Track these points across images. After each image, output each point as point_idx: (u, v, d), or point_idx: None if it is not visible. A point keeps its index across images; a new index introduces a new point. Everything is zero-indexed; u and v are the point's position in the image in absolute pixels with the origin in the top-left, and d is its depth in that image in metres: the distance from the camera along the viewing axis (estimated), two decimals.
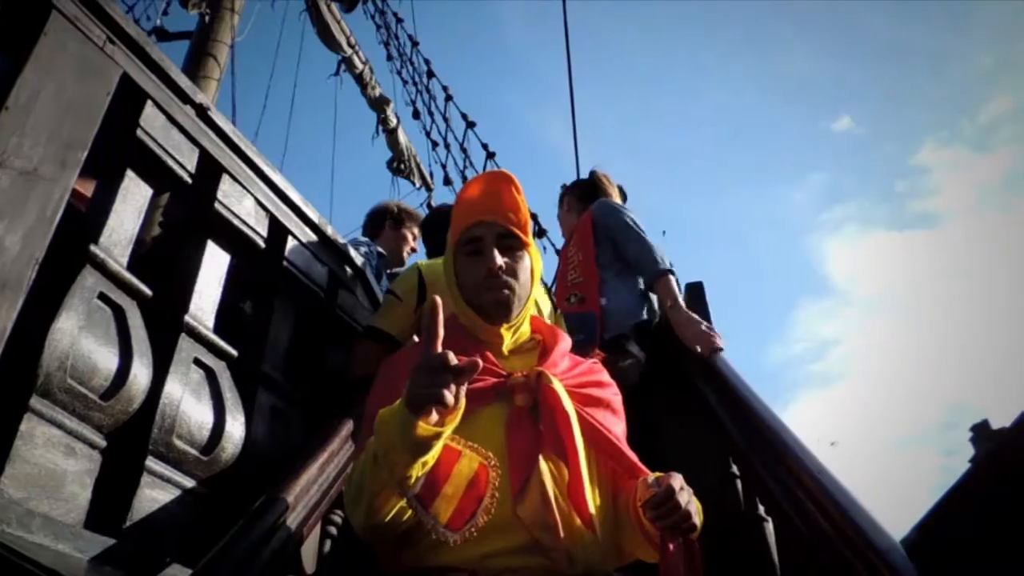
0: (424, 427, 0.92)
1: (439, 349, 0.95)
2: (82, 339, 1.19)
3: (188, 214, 1.66)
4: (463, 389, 0.95)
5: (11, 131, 1.15)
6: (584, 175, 3.26)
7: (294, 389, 1.78)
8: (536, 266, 1.34)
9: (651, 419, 2.36)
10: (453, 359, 0.92)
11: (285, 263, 1.82)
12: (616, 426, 1.27)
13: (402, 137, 8.66)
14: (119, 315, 1.31)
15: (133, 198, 1.44)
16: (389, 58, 8.81)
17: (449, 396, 0.92)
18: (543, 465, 1.10)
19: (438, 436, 0.94)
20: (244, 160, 1.73)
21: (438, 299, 1.00)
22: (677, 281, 2.48)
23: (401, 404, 0.95)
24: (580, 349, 2.25)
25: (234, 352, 1.59)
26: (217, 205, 1.61)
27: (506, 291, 1.26)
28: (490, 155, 7.19)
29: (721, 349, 2.18)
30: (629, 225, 2.64)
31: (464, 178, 7.51)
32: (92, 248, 1.29)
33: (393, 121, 8.49)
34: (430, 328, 0.98)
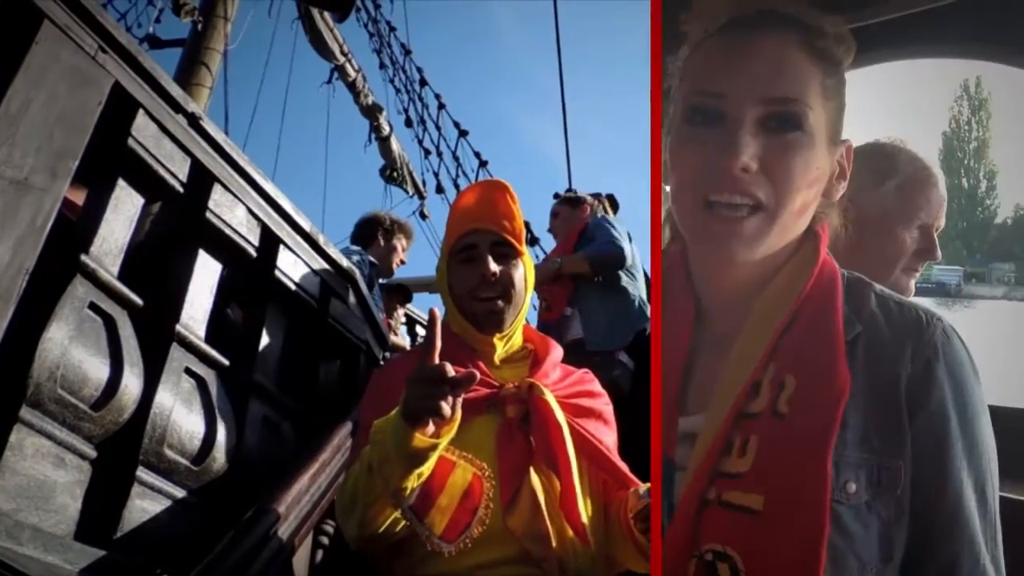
0: (420, 438, 0.93)
1: (436, 360, 0.95)
2: (72, 349, 1.19)
3: (179, 223, 1.65)
4: (459, 401, 0.95)
5: (2, 141, 1.14)
6: (577, 178, 3.48)
7: (286, 399, 1.77)
8: (529, 276, 1.34)
9: (642, 429, 2.36)
10: (450, 371, 0.92)
11: (277, 272, 1.81)
12: (607, 436, 1.27)
13: (395, 145, 8.64)
14: (110, 325, 1.30)
15: (124, 207, 1.43)
16: (382, 66, 8.77)
17: (446, 408, 0.92)
18: (533, 476, 1.10)
19: (434, 447, 0.94)
20: (236, 169, 1.73)
21: (436, 311, 1.00)
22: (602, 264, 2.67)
23: (397, 415, 0.95)
24: None
25: (225, 361, 1.59)
26: (208, 214, 1.60)
27: (499, 301, 1.26)
28: (483, 163, 7.20)
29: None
30: (603, 226, 2.77)
31: (456, 186, 7.50)
32: (83, 258, 1.28)
33: (386, 129, 8.47)
34: (428, 339, 0.98)
